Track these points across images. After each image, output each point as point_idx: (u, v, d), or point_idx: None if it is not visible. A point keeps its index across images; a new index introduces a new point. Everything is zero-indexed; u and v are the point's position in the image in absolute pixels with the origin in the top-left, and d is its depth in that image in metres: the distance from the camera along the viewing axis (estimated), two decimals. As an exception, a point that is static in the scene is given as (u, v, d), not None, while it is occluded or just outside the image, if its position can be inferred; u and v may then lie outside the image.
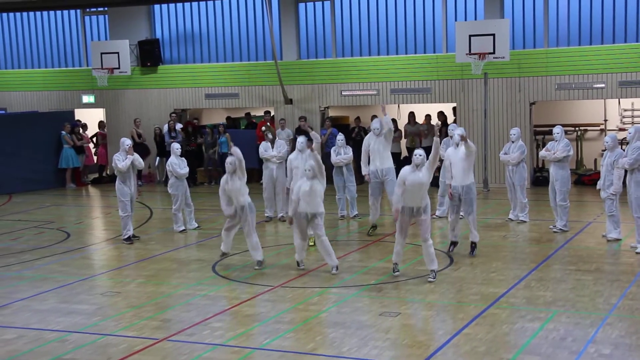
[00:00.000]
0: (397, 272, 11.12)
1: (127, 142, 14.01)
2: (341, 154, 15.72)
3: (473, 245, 12.41)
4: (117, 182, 14.05)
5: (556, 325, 8.84)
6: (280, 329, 9.04)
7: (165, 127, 22.14)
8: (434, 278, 10.88)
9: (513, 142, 14.82)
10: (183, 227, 15.15)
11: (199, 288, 11.05)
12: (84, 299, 10.67)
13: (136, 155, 14.08)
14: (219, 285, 11.16)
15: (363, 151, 14.22)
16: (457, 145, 12.27)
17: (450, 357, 8.00)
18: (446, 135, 16.02)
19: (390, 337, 8.64)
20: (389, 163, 14.06)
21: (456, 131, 12.30)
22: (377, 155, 14.04)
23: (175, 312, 9.97)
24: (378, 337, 8.64)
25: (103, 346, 8.69)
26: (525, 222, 14.87)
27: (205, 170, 22.31)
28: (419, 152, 10.73)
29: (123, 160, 13.86)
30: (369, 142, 14.09)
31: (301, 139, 14.14)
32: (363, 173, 14.28)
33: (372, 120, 21.21)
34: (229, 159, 11.93)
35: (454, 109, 20.77)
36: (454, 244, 12.60)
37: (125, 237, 14.10)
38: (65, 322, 9.60)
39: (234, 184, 11.82)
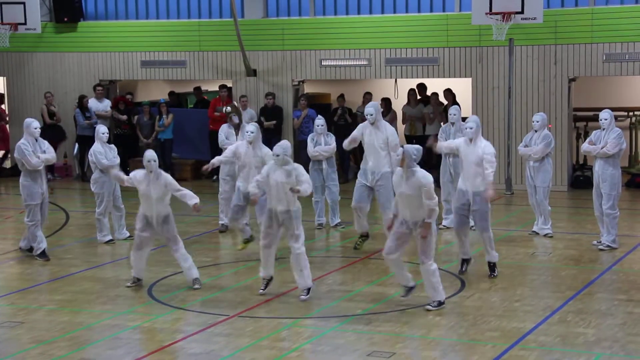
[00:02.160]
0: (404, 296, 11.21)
1: (33, 123, 13.90)
2: (321, 143, 15.71)
3: (491, 265, 12.47)
4: (22, 178, 13.89)
5: (600, 371, 8.88)
6: (237, 373, 9.01)
7: (77, 106, 22.05)
8: (435, 307, 10.91)
9: (536, 131, 14.89)
10: (110, 237, 15.08)
11: (131, 317, 10.97)
12: (-25, 330, 10.58)
13: (48, 147, 13.97)
14: (156, 314, 11.09)
15: (352, 135, 14.09)
16: (471, 140, 12.33)
17: (461, 413, 8.02)
18: (446, 119, 16.06)
19: (381, 386, 8.63)
20: (386, 166, 13.92)
21: (467, 124, 12.47)
22: (372, 152, 13.92)
23: (98, 349, 9.87)
24: (366, 385, 8.62)
25: (0, 394, 8.61)
26: (551, 236, 14.95)
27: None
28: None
29: (31, 148, 13.72)
30: (363, 131, 13.99)
31: (251, 128, 13.86)
32: (344, 147, 14.39)
33: (363, 101, 21.50)
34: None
35: (446, 91, 20.79)
36: (465, 261, 12.64)
37: (39, 252, 13.97)
38: (-50, 362, 9.52)
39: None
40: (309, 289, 11.48)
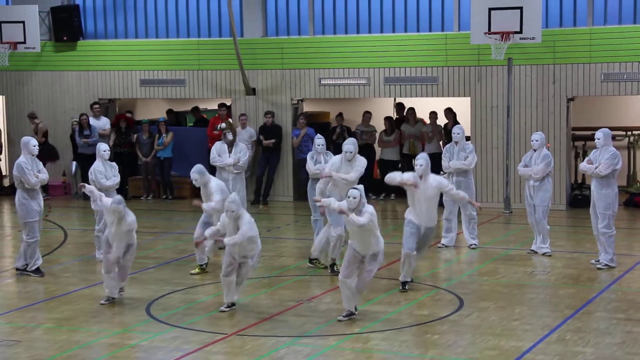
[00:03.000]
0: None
1: (32, 141, 13.93)
2: (321, 162, 15.70)
3: (404, 283, 12.82)
4: (20, 195, 13.90)
5: (598, 390, 8.87)
6: (235, 391, 8.99)
7: (76, 124, 22.07)
8: (344, 317, 11.27)
9: (535, 150, 14.91)
10: None
11: (128, 336, 10.96)
12: (-28, 348, 10.56)
13: (42, 167, 14.03)
14: (154, 333, 11.07)
15: (328, 166, 14.09)
16: (421, 177, 12.69)
17: None
18: (450, 139, 16.08)
19: (379, 404, 8.62)
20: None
21: (418, 161, 12.80)
22: (343, 187, 13.82)
23: (95, 368, 9.89)
24: (364, 404, 8.61)
25: (-3, 412, 8.59)
26: (550, 255, 14.95)
27: (143, 180, 22.23)
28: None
29: (30, 166, 13.74)
30: (337, 167, 13.89)
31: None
32: (313, 170, 14.43)
33: (362, 119, 21.52)
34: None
35: (446, 110, 20.83)
36: (407, 283, 12.88)
37: (35, 267, 13.99)
38: (-53, 380, 9.50)
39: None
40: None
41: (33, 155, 13.88)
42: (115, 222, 12.19)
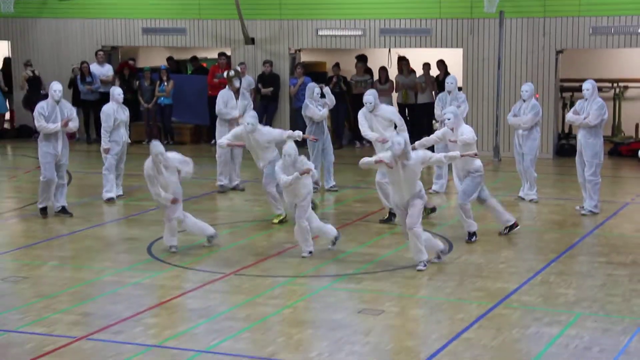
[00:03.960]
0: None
1: (54, 86, 13.82)
2: (320, 109, 15.70)
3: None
4: (39, 137, 13.88)
5: (579, 331, 8.95)
6: (233, 327, 9.07)
7: (77, 70, 22.05)
8: (424, 266, 11.02)
9: (525, 100, 14.90)
10: (111, 195, 15.15)
11: (130, 274, 11.04)
12: (-19, 284, 10.64)
13: (71, 110, 13.93)
14: (155, 271, 11.16)
15: (361, 124, 13.97)
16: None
17: (446, 367, 8.11)
18: (442, 89, 15.99)
19: (370, 341, 8.71)
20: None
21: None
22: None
23: (99, 304, 9.95)
24: (355, 341, 8.70)
25: (3, 346, 8.67)
26: (537, 201, 15.02)
27: (144, 126, 22.21)
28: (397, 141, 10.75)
29: (46, 112, 13.66)
30: (364, 117, 13.87)
31: (250, 120, 13.25)
32: (374, 138, 13.89)
33: (356, 68, 21.48)
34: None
35: (438, 62, 20.75)
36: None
37: (42, 207, 14.00)
38: (-43, 314, 9.58)
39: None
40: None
41: (55, 100, 13.78)
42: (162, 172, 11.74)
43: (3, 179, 18.06)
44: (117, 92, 15.06)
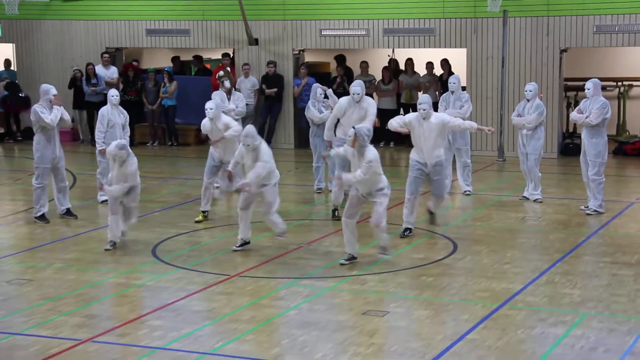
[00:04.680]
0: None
1: (52, 90, 13.86)
2: (323, 111, 15.65)
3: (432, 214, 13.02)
4: (36, 141, 13.79)
5: (585, 331, 8.93)
6: (237, 329, 9.06)
7: (78, 72, 22.07)
8: (346, 261, 11.30)
9: (528, 100, 14.87)
10: (105, 197, 15.14)
11: (135, 276, 11.05)
12: (-15, 287, 10.64)
13: (62, 108, 13.94)
14: (160, 273, 11.15)
15: (332, 115, 14.02)
16: (424, 118, 12.46)
17: (451, 369, 8.09)
18: (446, 89, 16.00)
19: (375, 342, 8.69)
20: None
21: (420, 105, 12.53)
22: (350, 127, 13.74)
23: (103, 306, 9.95)
24: (360, 342, 8.69)
25: (8, 348, 8.66)
26: (541, 201, 14.99)
27: (149, 127, 22.22)
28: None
29: (48, 112, 13.69)
30: (344, 108, 13.77)
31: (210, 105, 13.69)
32: (326, 138, 14.12)
33: (360, 69, 21.47)
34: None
35: (442, 61, 20.73)
36: (409, 230, 12.80)
37: (39, 214, 13.92)
38: (-38, 317, 9.58)
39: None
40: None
41: (50, 103, 13.78)
42: (117, 166, 12.12)
43: (9, 182, 18.06)
44: (111, 94, 14.96)
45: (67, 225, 13.76)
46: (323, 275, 11.00)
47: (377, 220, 11.14)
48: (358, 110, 13.64)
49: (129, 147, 12.32)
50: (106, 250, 12.20)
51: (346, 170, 13.62)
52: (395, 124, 12.82)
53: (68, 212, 14.11)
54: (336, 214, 13.74)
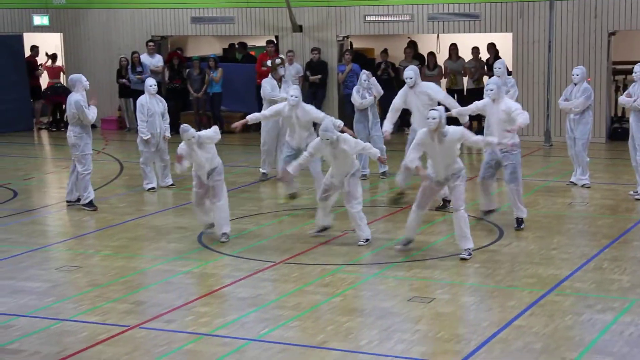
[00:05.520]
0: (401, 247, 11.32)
1: (83, 78, 13.97)
2: (365, 97, 15.62)
3: (519, 220, 12.40)
4: (75, 131, 13.83)
5: (634, 318, 8.85)
6: (283, 315, 9.10)
7: (125, 60, 22.29)
8: (469, 255, 10.95)
9: (576, 84, 14.71)
10: (152, 185, 15.29)
11: (181, 263, 11.12)
12: (34, 274, 10.75)
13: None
14: (206, 260, 11.23)
15: (392, 107, 13.88)
16: (494, 101, 12.10)
17: (497, 356, 8.04)
18: (491, 75, 15.84)
19: (421, 329, 8.69)
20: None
21: (488, 86, 12.22)
22: (418, 114, 13.48)
23: (151, 293, 10.04)
24: (406, 329, 8.69)
25: (58, 334, 8.78)
26: (589, 186, 14.84)
27: (194, 115, 22.33)
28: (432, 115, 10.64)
29: (85, 103, 13.80)
30: (405, 96, 13.65)
31: (295, 92, 13.62)
32: (384, 130, 13.99)
33: (405, 55, 21.38)
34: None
35: (489, 46, 20.57)
36: (489, 212, 12.69)
37: (87, 201, 14.08)
38: (10, 304, 9.70)
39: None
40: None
41: (86, 90, 13.93)
42: (196, 149, 11.97)
43: (55, 170, 18.27)
44: (148, 83, 15.12)
45: (113, 213, 13.88)
46: (368, 262, 11.01)
47: (457, 205, 10.89)
48: (419, 98, 13.48)
49: (192, 129, 12.22)
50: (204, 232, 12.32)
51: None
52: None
53: (79, 200, 14.25)
54: (448, 205, 13.20)
